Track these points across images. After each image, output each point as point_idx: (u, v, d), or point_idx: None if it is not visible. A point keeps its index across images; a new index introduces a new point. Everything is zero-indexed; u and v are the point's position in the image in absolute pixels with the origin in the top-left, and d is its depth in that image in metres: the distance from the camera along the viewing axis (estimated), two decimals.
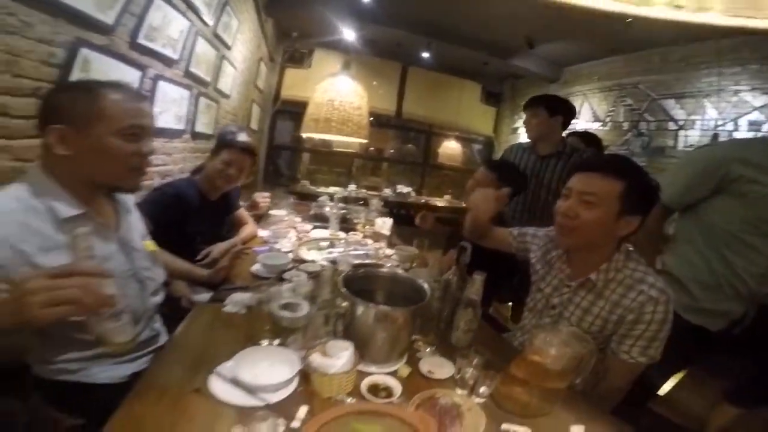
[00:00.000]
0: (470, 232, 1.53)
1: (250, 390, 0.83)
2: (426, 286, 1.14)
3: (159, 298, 1.14)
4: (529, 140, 2.39)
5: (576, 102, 5.42)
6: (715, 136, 3.22)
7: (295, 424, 0.78)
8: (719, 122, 3.72)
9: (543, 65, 5.56)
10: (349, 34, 4.39)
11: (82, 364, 0.94)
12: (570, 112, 2.34)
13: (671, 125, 4.19)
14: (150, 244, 1.16)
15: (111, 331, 0.74)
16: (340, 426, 0.73)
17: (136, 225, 1.15)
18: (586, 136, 2.81)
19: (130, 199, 1.16)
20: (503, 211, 2.10)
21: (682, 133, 4.08)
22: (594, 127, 5.12)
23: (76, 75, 1.49)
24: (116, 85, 0.97)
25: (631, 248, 1.18)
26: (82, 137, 0.88)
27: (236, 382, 0.84)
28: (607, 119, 4.95)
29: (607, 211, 1.08)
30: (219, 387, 0.84)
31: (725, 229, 1.43)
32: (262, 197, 2.51)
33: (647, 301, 1.06)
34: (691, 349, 1.50)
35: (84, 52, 1.51)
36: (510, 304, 3.04)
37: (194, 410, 0.79)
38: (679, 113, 4.12)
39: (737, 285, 1.43)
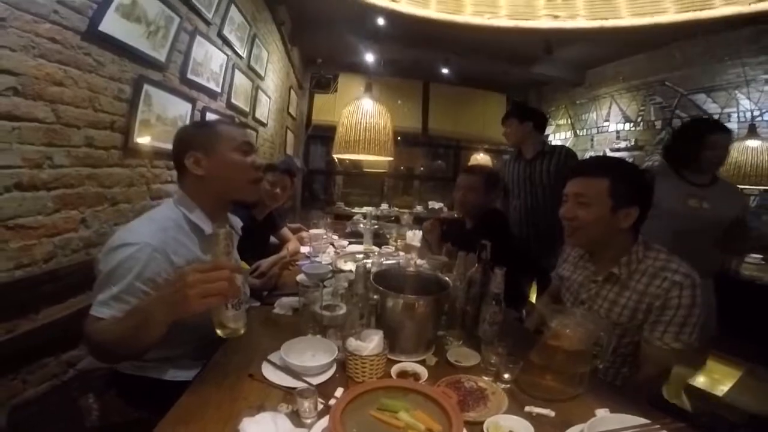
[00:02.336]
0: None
1: (296, 373, 0.97)
2: (448, 279, 1.25)
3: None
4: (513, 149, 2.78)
5: (604, 104, 5.35)
6: (752, 127, 3.11)
7: (332, 401, 0.90)
8: (756, 113, 3.60)
9: (565, 69, 5.53)
10: (369, 56, 4.62)
11: (163, 363, 1.12)
12: (538, 116, 2.67)
13: None
14: (245, 265, 1.38)
15: (231, 318, 0.89)
16: (370, 400, 0.86)
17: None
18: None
19: (238, 223, 1.38)
20: (507, 217, 2.24)
21: None
22: (626, 127, 5.03)
23: (141, 109, 1.74)
24: (223, 120, 1.23)
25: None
26: (211, 158, 1.13)
27: (284, 366, 0.99)
28: (639, 119, 4.84)
29: (601, 207, 1.18)
30: (269, 372, 0.99)
31: None
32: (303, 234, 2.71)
33: (672, 286, 1.11)
34: None
35: (146, 87, 1.75)
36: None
37: (248, 391, 0.93)
38: (711, 107, 4.01)
39: None
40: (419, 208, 6.10)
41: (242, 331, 0.93)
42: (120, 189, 1.69)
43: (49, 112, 1.32)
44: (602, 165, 1.25)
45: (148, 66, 1.80)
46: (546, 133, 6.39)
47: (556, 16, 0.34)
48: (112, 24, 1.51)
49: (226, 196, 1.21)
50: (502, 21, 0.36)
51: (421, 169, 6.97)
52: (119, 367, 1.13)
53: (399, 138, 5.97)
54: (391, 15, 0.38)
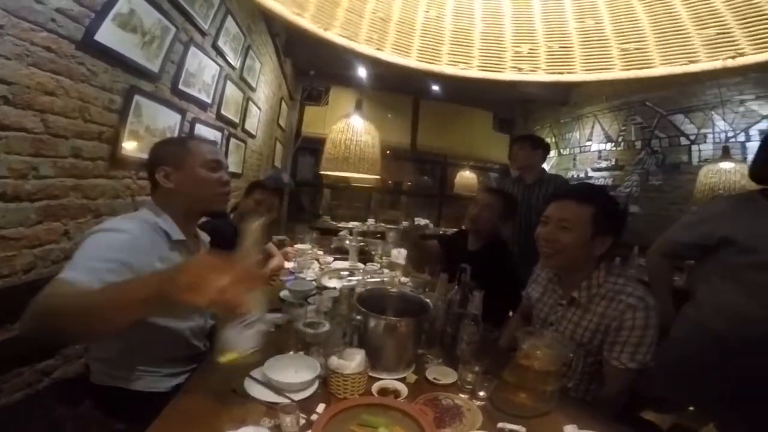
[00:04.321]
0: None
1: (278, 389, 0.98)
2: (429, 301, 1.28)
3: (212, 322, 1.35)
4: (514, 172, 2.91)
5: (587, 123, 5.50)
6: (725, 149, 3.23)
7: (315, 417, 0.92)
8: (730, 134, 3.72)
9: (551, 88, 5.67)
10: (361, 70, 4.68)
11: (140, 374, 1.13)
12: (546, 147, 2.88)
13: (683, 140, 4.17)
14: None
15: (239, 339, 0.83)
16: (351, 416, 0.88)
17: None
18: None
19: (206, 238, 1.44)
20: (504, 237, 2.26)
21: (695, 147, 4.05)
22: (607, 147, 5.17)
23: (130, 120, 1.74)
24: (195, 137, 1.27)
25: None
26: (180, 173, 1.20)
27: (266, 382, 1.00)
28: (620, 139, 4.96)
29: (582, 233, 1.23)
30: (252, 387, 1.00)
31: None
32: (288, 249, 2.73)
33: (626, 308, 1.17)
34: None
35: (136, 98, 1.75)
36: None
37: (231, 406, 0.94)
38: (689, 128, 4.12)
39: None
40: (405, 224, 6.13)
41: (251, 358, 0.87)
42: (104, 201, 1.68)
43: (38, 122, 1.32)
44: (589, 192, 1.31)
45: (141, 76, 1.81)
46: None
47: (520, 69, 0.38)
48: (108, 34, 1.52)
49: (193, 209, 1.28)
50: (473, 72, 0.39)
51: (409, 184, 7.03)
52: (93, 378, 1.14)
53: (388, 152, 6.05)
54: (376, 62, 0.42)
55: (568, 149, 5.89)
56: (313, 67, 5.55)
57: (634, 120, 4.79)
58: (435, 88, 5.56)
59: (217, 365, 0.85)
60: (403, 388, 1.08)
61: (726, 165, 3.06)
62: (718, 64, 0.27)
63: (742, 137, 3.65)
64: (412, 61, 0.42)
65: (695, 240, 1.52)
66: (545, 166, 2.92)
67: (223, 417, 0.90)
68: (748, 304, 1.36)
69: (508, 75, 0.38)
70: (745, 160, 3.51)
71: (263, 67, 3.78)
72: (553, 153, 6.16)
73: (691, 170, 3.96)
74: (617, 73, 0.32)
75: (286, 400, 0.94)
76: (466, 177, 6.74)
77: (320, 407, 0.96)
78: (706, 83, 3.89)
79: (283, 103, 5.12)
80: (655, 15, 0.32)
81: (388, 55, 0.42)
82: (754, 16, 0.27)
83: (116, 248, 0.99)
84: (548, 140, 6.19)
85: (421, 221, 6.22)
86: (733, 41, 0.28)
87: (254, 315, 0.83)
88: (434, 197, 6.87)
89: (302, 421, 0.89)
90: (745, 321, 1.36)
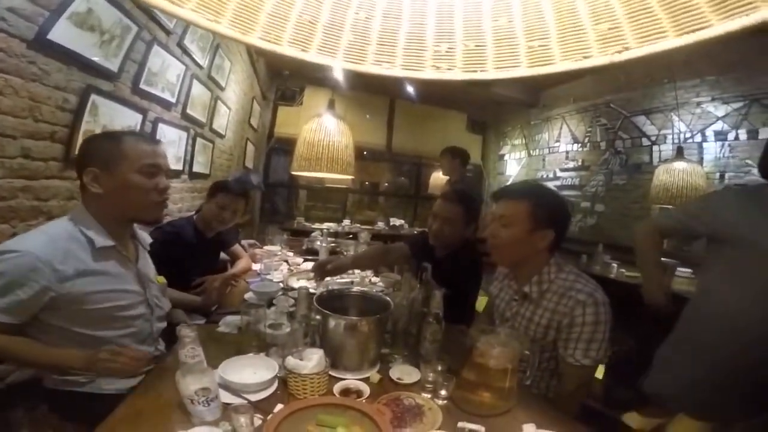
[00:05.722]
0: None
1: (234, 389, 0.97)
2: (390, 300, 1.29)
3: (163, 324, 1.32)
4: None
5: (556, 125, 5.64)
6: (680, 149, 3.38)
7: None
8: (687, 135, 3.88)
9: (521, 90, 5.75)
10: (337, 71, 4.66)
11: (91, 377, 1.10)
12: (463, 155, 3.58)
13: (645, 141, 4.32)
14: (161, 279, 1.35)
15: (200, 413, 0.88)
16: (308, 416, 0.87)
17: (150, 261, 1.35)
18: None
19: (147, 239, 1.36)
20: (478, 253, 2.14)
21: (655, 148, 4.20)
22: (574, 148, 5.31)
23: (86, 120, 1.67)
24: (135, 133, 1.21)
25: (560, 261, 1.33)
26: (111, 177, 1.09)
27: (223, 383, 0.98)
28: (586, 140, 5.09)
29: (521, 228, 1.27)
30: None
31: None
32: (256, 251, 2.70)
33: (576, 304, 1.20)
34: None
35: (93, 97, 1.69)
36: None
37: (185, 406, 0.91)
38: (650, 129, 4.27)
39: None
40: (381, 224, 6.15)
41: None
42: (58, 202, 1.61)
43: None
44: (525, 189, 1.37)
45: (99, 75, 1.75)
46: (501, 152, 6.70)
47: (438, 68, 0.39)
48: (62, 32, 1.46)
49: (123, 216, 1.17)
50: (397, 71, 0.40)
51: (386, 184, 7.05)
52: (46, 383, 1.11)
53: (365, 153, 6.05)
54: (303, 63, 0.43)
55: (537, 150, 6.02)
56: (287, 66, 5.48)
57: (599, 121, 4.93)
58: (410, 89, 5.58)
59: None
60: (365, 388, 1.09)
61: (680, 165, 3.21)
62: (605, 60, 0.29)
63: (698, 138, 3.81)
64: (338, 62, 0.42)
65: (693, 223, 1.46)
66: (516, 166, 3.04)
67: (179, 417, 0.88)
68: (754, 300, 1.26)
69: (428, 74, 0.39)
70: (701, 160, 3.69)
71: (234, 66, 3.71)
72: (523, 154, 6.30)
73: (651, 170, 4.07)
74: (523, 70, 0.34)
75: (243, 401, 0.93)
76: (440, 178, 6.78)
77: (278, 408, 0.95)
78: (666, 85, 4.05)
79: (255, 103, 5.04)
80: (560, 12, 0.33)
81: (313, 56, 0.43)
82: (640, 10, 0.29)
83: (10, 274, 0.96)
84: (518, 141, 6.39)
85: (396, 222, 6.24)
86: (621, 36, 0.29)
87: (209, 394, 0.89)
88: (410, 198, 6.90)
89: (258, 422, 0.88)
90: (749, 318, 1.26)
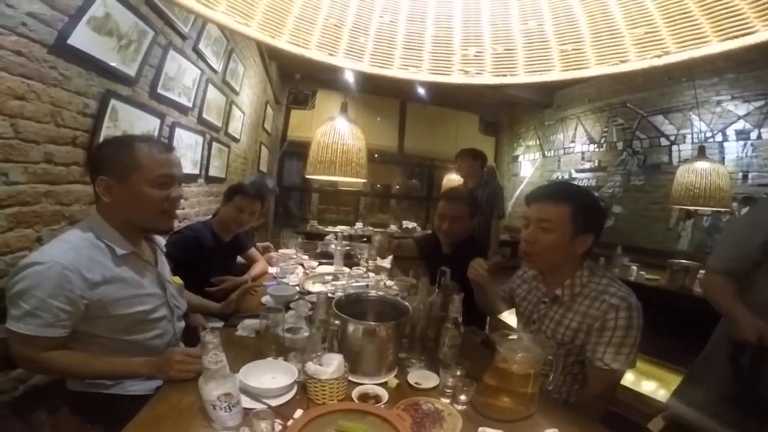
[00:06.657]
0: (482, 305, 1.68)
1: (254, 394, 0.97)
2: (408, 305, 1.28)
3: (182, 324, 1.34)
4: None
5: (571, 125, 5.57)
6: (701, 149, 3.30)
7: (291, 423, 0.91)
8: (707, 134, 3.80)
9: (535, 91, 5.70)
10: (348, 74, 4.68)
11: (118, 380, 1.12)
12: (483, 157, 3.50)
13: (663, 141, 4.24)
14: (177, 279, 1.37)
15: (221, 418, 0.88)
16: (328, 422, 0.87)
17: (166, 262, 1.37)
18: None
19: (162, 241, 1.38)
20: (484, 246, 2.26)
21: (675, 148, 4.13)
22: (590, 149, 5.24)
23: (106, 125, 1.69)
24: (148, 139, 1.19)
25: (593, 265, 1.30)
26: (122, 187, 1.08)
27: (243, 388, 0.98)
28: (602, 140, 5.02)
29: (562, 233, 1.23)
30: None
31: None
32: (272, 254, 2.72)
33: (609, 308, 1.17)
34: None
35: (112, 102, 1.72)
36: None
37: (207, 411, 0.92)
38: (669, 128, 4.19)
39: None
40: (394, 227, 6.13)
41: None
42: (80, 207, 1.64)
43: (8, 127, 1.28)
44: (566, 191, 1.30)
45: (117, 80, 1.78)
46: (515, 154, 6.64)
47: (466, 72, 0.38)
48: (81, 37, 1.48)
49: (134, 225, 1.17)
50: (423, 75, 0.40)
51: (397, 187, 7.05)
52: (69, 385, 1.12)
53: (376, 156, 6.06)
54: (330, 67, 0.42)
55: (552, 151, 5.96)
56: (299, 70, 5.52)
57: (615, 121, 4.86)
58: (421, 91, 5.57)
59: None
60: (383, 393, 1.08)
61: (702, 165, 3.10)
62: (645, 64, 0.28)
63: (719, 137, 3.73)
64: (365, 66, 0.42)
65: (753, 242, 1.42)
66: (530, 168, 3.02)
67: (200, 422, 0.89)
68: None
69: (456, 78, 0.39)
70: (723, 160, 3.60)
71: (247, 71, 3.75)
72: (537, 155, 6.24)
73: (671, 170, 3.99)
74: (557, 74, 0.33)
75: (263, 406, 0.93)
76: (452, 180, 6.77)
77: (298, 413, 0.95)
78: (684, 84, 3.97)
79: (269, 107, 5.09)
80: (592, 15, 0.32)
81: (340, 60, 0.43)
82: (679, 15, 0.28)
83: (42, 286, 0.96)
84: (532, 142, 6.33)
85: (409, 224, 6.22)
86: (660, 40, 0.28)
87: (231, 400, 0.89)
88: (422, 200, 6.88)
89: (278, 427, 0.88)
90: None
